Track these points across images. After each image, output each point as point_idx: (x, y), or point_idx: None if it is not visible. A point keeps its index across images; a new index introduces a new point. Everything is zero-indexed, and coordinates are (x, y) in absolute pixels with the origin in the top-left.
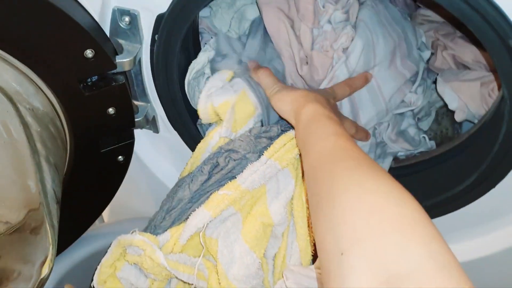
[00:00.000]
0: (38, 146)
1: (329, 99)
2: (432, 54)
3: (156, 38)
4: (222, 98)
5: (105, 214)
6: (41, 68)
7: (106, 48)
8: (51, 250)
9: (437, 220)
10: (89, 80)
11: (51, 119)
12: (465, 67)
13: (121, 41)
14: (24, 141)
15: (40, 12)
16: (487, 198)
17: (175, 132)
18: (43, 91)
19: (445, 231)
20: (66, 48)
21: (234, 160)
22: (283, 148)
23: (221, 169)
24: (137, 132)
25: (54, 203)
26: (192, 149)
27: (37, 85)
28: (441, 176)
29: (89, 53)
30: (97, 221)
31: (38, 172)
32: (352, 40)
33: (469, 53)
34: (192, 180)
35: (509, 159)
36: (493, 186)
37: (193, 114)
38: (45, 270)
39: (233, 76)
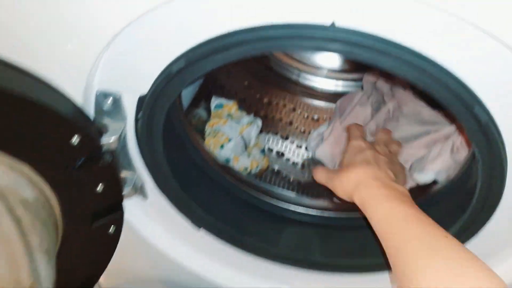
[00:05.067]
0: (31, 237)
1: None
2: None
3: (138, 117)
4: None
5: (102, 278)
6: (30, 160)
7: (92, 131)
8: None
9: None
10: (77, 163)
11: (42, 204)
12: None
13: (106, 120)
14: (16, 236)
15: (19, 108)
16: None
17: (163, 197)
18: (32, 180)
19: None
20: (52, 138)
21: None
22: None
23: None
24: (127, 200)
25: None
26: (180, 210)
27: (27, 175)
28: None
29: (75, 139)
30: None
31: (31, 265)
32: None
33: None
34: None
35: (486, 211)
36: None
37: (179, 178)
38: None
39: None
